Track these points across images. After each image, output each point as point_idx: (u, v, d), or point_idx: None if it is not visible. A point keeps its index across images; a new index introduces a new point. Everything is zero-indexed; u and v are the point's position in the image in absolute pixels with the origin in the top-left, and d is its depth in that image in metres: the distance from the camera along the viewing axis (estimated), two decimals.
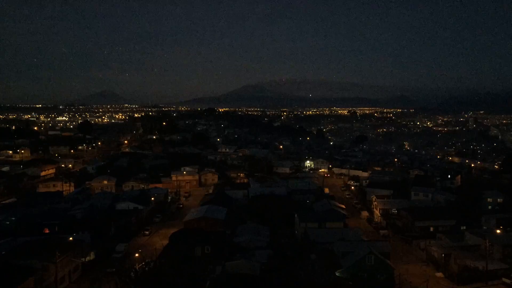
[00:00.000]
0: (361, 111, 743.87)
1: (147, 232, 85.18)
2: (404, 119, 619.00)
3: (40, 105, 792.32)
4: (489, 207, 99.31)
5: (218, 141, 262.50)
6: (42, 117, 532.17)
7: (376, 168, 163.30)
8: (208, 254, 62.88)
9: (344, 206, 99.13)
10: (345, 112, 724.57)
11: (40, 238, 66.31)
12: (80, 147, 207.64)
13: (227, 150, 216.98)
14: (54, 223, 77.83)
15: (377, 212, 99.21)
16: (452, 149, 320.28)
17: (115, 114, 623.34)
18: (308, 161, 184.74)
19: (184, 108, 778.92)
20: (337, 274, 55.39)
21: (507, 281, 58.19)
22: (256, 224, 79.94)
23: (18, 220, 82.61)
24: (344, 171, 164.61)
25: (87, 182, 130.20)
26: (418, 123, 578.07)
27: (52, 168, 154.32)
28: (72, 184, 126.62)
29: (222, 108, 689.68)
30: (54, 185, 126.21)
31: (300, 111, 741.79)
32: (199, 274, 51.86)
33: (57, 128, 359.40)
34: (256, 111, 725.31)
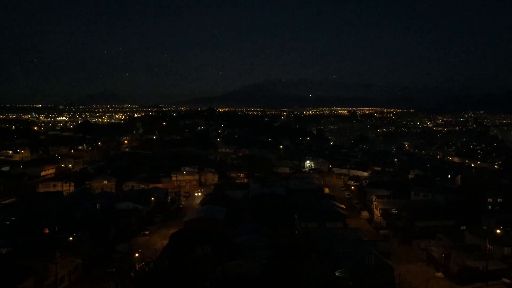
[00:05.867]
0: (361, 111, 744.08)
1: (147, 232, 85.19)
2: (404, 119, 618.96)
3: (40, 105, 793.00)
4: (489, 207, 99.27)
5: (218, 141, 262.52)
6: (42, 117, 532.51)
7: (376, 168, 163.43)
8: (208, 254, 62.83)
9: (344, 206, 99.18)
10: (345, 112, 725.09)
11: (40, 238, 66.28)
12: (80, 147, 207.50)
13: (227, 150, 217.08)
14: (54, 223, 77.78)
15: (377, 212, 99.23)
16: (452, 149, 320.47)
17: (115, 114, 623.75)
18: (308, 161, 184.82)
19: (184, 108, 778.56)
20: (337, 274, 55.38)
21: (507, 281, 58.21)
22: (256, 224, 79.95)
23: (18, 220, 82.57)
24: (344, 171, 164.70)
25: (87, 182, 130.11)
26: (418, 123, 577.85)
27: (52, 168, 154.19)
28: (72, 184, 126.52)
29: (222, 108, 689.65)
30: (54, 185, 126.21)
31: (300, 111, 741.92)
32: (199, 274, 51.81)
33: (57, 128, 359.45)
34: (256, 111, 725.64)
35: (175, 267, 51.71)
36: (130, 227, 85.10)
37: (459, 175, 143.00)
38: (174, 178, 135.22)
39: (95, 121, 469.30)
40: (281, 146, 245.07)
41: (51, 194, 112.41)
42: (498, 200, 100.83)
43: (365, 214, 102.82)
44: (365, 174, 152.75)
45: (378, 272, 56.49)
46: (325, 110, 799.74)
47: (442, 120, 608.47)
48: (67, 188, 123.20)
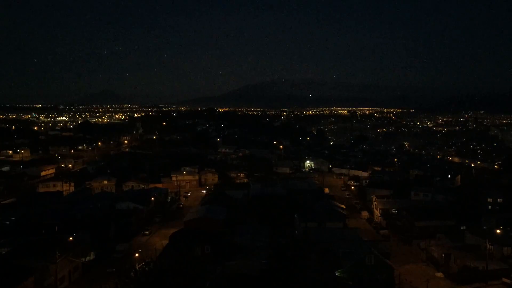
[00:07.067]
0: (361, 111, 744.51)
1: (147, 232, 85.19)
2: (404, 119, 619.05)
3: (40, 105, 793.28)
4: (489, 207, 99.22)
5: (218, 141, 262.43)
6: (42, 117, 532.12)
7: (376, 168, 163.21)
8: (208, 254, 62.85)
9: (344, 206, 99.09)
10: (345, 112, 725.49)
11: (40, 238, 66.29)
12: (80, 147, 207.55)
13: (227, 150, 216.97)
14: (54, 223, 77.84)
15: (377, 212, 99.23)
16: (452, 149, 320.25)
17: (115, 114, 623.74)
18: (308, 161, 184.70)
19: (184, 108, 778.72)
20: (337, 274, 55.38)
21: (507, 281, 58.19)
22: (256, 224, 79.93)
23: (18, 220, 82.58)
24: (344, 171, 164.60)
25: (87, 182, 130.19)
26: (418, 123, 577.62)
27: (52, 168, 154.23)
28: (72, 184, 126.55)
29: (222, 108, 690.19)
30: (54, 185, 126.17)
31: (300, 111, 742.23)
32: (199, 274, 51.82)
33: (57, 128, 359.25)
34: (256, 111, 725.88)
35: (175, 267, 51.71)
36: (130, 227, 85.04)
37: (459, 175, 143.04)
38: (174, 178, 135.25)
39: (95, 121, 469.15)
40: (281, 146, 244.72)
41: (51, 194, 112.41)
42: (498, 200, 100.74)
43: (365, 214, 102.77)
44: (365, 174, 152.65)
45: (378, 272, 56.47)
46: (325, 110, 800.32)
47: (442, 120, 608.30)
48: (67, 188, 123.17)
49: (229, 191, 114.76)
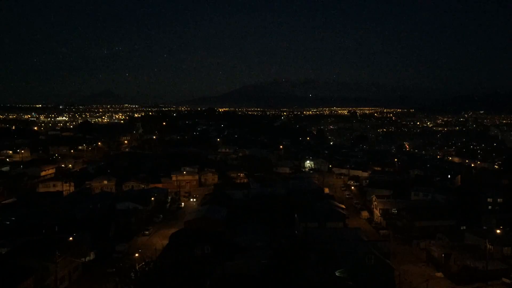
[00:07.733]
0: (361, 111, 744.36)
1: (147, 232, 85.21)
2: (404, 119, 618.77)
3: (40, 105, 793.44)
4: (489, 207, 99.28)
5: (218, 141, 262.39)
6: (42, 117, 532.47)
7: (376, 168, 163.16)
8: (208, 254, 62.86)
9: (344, 206, 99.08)
10: (345, 112, 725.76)
11: (40, 238, 66.29)
12: (80, 147, 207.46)
13: (227, 150, 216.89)
14: (54, 223, 77.85)
15: (377, 212, 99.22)
16: (452, 149, 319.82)
17: (115, 114, 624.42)
18: (308, 161, 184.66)
19: (184, 108, 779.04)
20: (337, 274, 55.37)
21: (507, 281, 58.19)
22: (256, 224, 79.93)
23: (18, 220, 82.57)
24: (344, 171, 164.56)
25: (87, 182, 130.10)
26: (418, 123, 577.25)
27: (52, 168, 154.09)
28: (72, 184, 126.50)
29: (222, 108, 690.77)
30: (54, 185, 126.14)
31: (300, 111, 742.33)
32: (199, 274, 51.82)
33: (57, 128, 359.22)
34: (256, 111, 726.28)
35: (175, 267, 51.70)
36: (130, 227, 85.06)
37: (459, 175, 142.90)
38: (174, 178, 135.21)
39: (95, 121, 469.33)
40: (281, 146, 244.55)
41: (51, 194, 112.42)
42: (498, 200, 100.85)
43: (365, 214, 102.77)
44: (365, 174, 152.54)
45: (378, 272, 56.44)
46: (325, 110, 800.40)
47: (442, 120, 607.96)
48: (67, 188, 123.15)
49: (229, 191, 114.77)
